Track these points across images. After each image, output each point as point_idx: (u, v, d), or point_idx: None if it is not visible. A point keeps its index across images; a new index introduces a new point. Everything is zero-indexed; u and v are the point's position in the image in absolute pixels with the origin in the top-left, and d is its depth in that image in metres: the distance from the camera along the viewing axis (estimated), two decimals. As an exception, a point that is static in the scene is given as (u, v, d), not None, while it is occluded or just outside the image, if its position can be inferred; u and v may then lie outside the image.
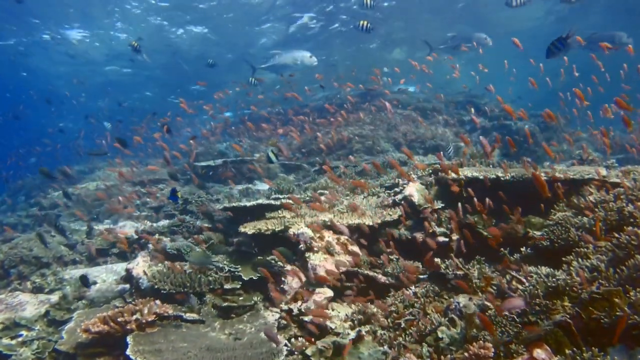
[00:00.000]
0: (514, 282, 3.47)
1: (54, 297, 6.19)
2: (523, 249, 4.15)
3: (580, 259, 3.33)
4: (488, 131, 13.67)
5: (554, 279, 3.06)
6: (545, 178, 4.59)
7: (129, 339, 3.61)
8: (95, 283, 6.85)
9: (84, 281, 5.45)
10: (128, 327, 3.77)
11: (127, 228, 9.83)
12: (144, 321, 3.89)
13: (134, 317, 4.02)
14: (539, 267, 3.44)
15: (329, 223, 5.12)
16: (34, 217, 13.12)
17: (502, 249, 4.39)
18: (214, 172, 12.38)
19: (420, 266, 4.84)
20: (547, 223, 4.34)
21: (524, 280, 3.36)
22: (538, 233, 4.31)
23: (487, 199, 4.71)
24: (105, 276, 7.19)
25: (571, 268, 3.22)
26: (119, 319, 3.80)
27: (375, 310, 3.97)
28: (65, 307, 5.94)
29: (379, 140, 12.06)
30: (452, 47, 12.27)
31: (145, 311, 4.08)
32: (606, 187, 4.40)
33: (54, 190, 15.40)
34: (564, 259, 3.48)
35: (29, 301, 6.22)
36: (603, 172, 4.72)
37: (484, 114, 14.12)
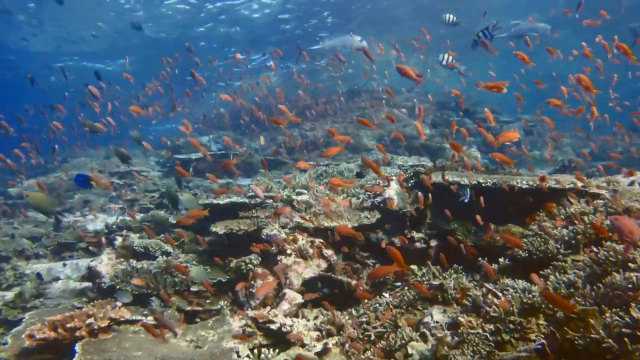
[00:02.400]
0: (489, 296, 3.31)
1: (9, 295, 5.83)
2: (501, 260, 4.00)
3: (557, 274, 3.19)
4: (474, 135, 13.62)
5: (530, 295, 2.91)
6: (526, 187, 4.46)
7: (78, 347, 3.34)
8: (58, 279, 6.52)
9: (39, 277, 5.13)
10: (78, 334, 3.49)
11: (98, 221, 9.47)
12: (96, 327, 3.62)
13: (88, 321, 3.74)
14: (516, 280, 3.29)
15: (304, 225, 4.91)
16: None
17: (480, 258, 4.25)
18: (195, 165, 12.04)
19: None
20: (527, 233, 4.21)
21: (500, 294, 3.20)
22: (517, 243, 4.17)
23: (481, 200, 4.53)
24: (69, 272, 6.86)
25: (548, 283, 3.08)
26: (69, 325, 3.53)
27: (345, 320, 3.78)
28: (21, 305, 5.60)
29: (361, 138, 11.90)
30: (516, 36, 11.90)
31: (101, 315, 3.81)
32: (587, 197, 4.29)
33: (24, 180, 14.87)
34: (541, 272, 3.34)
35: (-19, 298, 5.86)
36: (583, 181, 4.60)
37: (470, 116, 14.05)
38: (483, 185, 4.72)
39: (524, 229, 4.41)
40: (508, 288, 3.22)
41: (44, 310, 4.95)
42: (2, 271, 6.50)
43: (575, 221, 3.72)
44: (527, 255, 3.75)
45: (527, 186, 4.44)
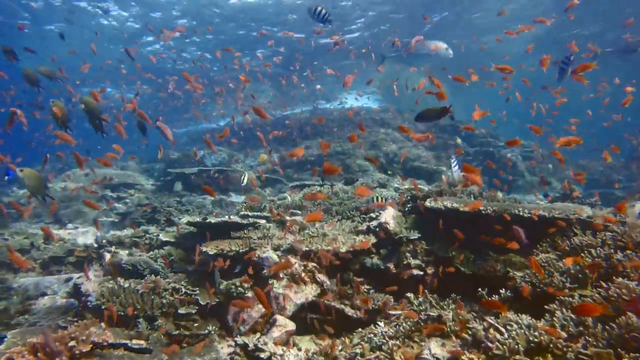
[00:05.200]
0: (491, 331, 3.15)
1: (-6, 310, 5.62)
2: (502, 291, 3.85)
3: (564, 309, 3.04)
4: (471, 157, 13.58)
5: (536, 333, 2.75)
6: (527, 215, 4.34)
7: (55, 374, 3.15)
8: (44, 295, 6.31)
9: None
10: None
11: (89, 235, 9.27)
12: (77, 352, 3.42)
13: (70, 344, 3.55)
14: (520, 315, 3.13)
15: (296, 248, 4.75)
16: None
17: (479, 288, 4.11)
18: (187, 180, 11.90)
19: (392, 300, 4.51)
20: (529, 264, 4.07)
21: (503, 329, 3.04)
22: (519, 274, 4.03)
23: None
24: (57, 287, 6.65)
25: (554, 319, 2.93)
26: (48, 349, 3.33)
27: (338, 351, 3.59)
28: (5, 322, 5.40)
29: (356, 159, 11.81)
30: (627, 52, 11.53)
31: (83, 338, 3.61)
32: (593, 228, 4.16)
33: (19, 189, 14.65)
34: (547, 307, 3.19)
35: (-35, 312, 5.65)
36: (587, 211, 4.48)
37: (464, 139, 14.03)
38: (483, 212, 4.61)
39: (525, 259, 4.27)
40: (512, 323, 3.06)
41: (27, 329, 4.74)
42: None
43: (582, 254, 3.59)
44: (530, 287, 3.60)
45: (528, 215, 4.32)
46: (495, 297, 3.89)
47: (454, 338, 3.54)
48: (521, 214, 4.36)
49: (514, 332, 2.89)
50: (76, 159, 4.71)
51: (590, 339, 2.59)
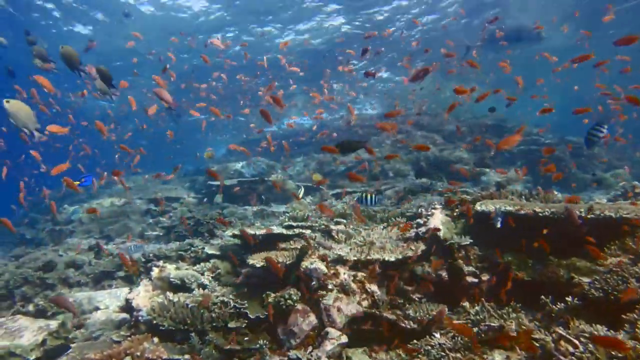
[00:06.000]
0: (562, 343, 2.93)
1: (53, 324, 5.85)
2: (569, 299, 3.59)
3: (646, 319, 2.78)
4: (515, 156, 13.06)
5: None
6: (591, 216, 4.05)
7: (114, 390, 3.19)
8: (97, 309, 6.51)
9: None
10: (115, 376, 3.36)
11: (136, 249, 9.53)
12: (133, 367, 3.47)
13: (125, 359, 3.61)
14: (594, 325, 2.89)
15: (345, 257, 4.65)
16: (49, 232, 13.01)
17: (542, 296, 3.85)
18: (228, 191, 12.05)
19: (446, 309, 4.31)
20: (597, 268, 3.79)
21: (576, 341, 2.81)
22: (585, 279, 3.75)
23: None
24: (109, 301, 6.86)
25: (637, 330, 2.67)
26: (106, 365, 3.40)
27: (396, 366, 3.45)
28: (64, 335, 5.61)
29: (395, 163, 11.58)
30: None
31: (138, 354, 3.66)
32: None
33: (69, 205, 15.36)
34: (625, 316, 2.93)
35: (29, 326, 5.91)
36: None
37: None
38: (540, 215, 4.35)
39: (591, 264, 3.98)
40: (584, 333, 2.83)
41: (84, 344, 4.90)
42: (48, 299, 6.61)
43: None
44: (601, 294, 3.34)
45: (593, 216, 4.03)
46: (560, 305, 3.63)
47: (518, 350, 3.33)
48: (583, 214, 4.08)
49: (590, 345, 2.66)
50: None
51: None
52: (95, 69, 4.71)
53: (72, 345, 4.95)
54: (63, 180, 4.84)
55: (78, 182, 5.18)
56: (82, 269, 8.20)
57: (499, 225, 4.36)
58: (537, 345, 3.11)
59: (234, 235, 5.88)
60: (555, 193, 4.96)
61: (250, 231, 5.48)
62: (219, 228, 8.50)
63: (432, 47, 11.77)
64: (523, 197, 5.60)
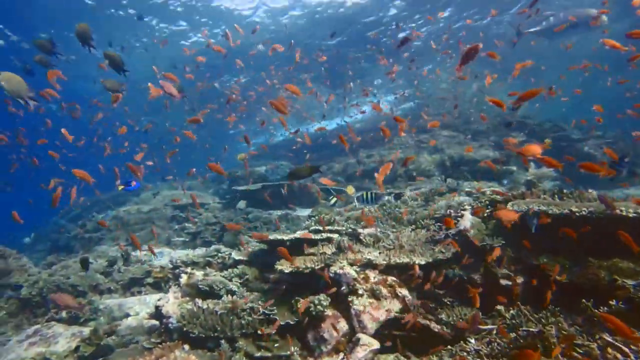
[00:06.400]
0: (609, 351, 2.78)
1: (86, 331, 5.97)
2: (612, 302, 3.42)
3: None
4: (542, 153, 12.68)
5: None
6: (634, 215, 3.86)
7: (149, 399, 3.20)
8: (127, 316, 6.61)
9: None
10: (149, 384, 3.37)
11: (164, 255, 9.66)
12: (167, 375, 3.48)
13: (158, 367, 3.62)
14: (644, 331, 2.74)
15: (374, 262, 4.58)
16: (80, 239, 13.32)
17: (583, 299, 3.68)
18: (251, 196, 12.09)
19: (480, 314, 4.18)
20: (641, 270, 3.61)
21: (627, 350, 2.66)
22: (630, 282, 3.57)
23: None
24: (138, 308, 6.96)
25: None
26: (140, 373, 3.41)
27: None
28: (95, 342, 5.70)
29: (420, 164, 11.41)
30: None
31: (171, 361, 3.67)
32: None
33: (98, 213, 15.73)
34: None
35: (62, 333, 6.05)
36: None
37: (531, 134, 13.15)
38: (577, 214, 4.17)
39: (635, 265, 3.79)
40: (638, 342, 2.68)
41: (118, 352, 4.97)
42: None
43: None
44: (649, 298, 3.17)
45: (635, 214, 3.85)
46: (604, 309, 3.46)
47: (560, 357, 3.18)
48: (624, 213, 3.90)
49: (642, 353, 2.52)
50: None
51: None
52: (104, 53, 4.81)
53: (109, 356, 5.02)
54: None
55: (122, 187, 5.28)
56: (111, 276, 8.36)
57: (533, 229, 4.21)
58: (581, 352, 2.97)
59: (260, 241, 5.87)
60: (592, 192, 4.76)
61: (277, 236, 5.46)
62: (244, 233, 8.53)
63: (475, 41, 11.55)
64: (556, 195, 5.40)
